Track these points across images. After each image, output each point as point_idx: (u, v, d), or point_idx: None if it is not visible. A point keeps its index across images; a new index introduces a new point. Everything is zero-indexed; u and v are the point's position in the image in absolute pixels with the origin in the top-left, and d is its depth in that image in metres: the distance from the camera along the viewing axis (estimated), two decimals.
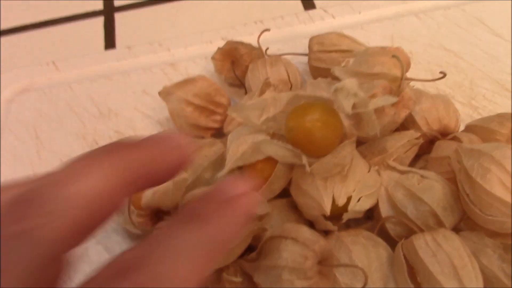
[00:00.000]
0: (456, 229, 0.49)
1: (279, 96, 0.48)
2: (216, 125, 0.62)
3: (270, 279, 0.42)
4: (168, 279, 0.19)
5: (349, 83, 0.44)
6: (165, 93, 0.62)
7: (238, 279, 0.46)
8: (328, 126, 0.44)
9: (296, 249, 0.42)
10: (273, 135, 0.50)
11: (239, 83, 0.66)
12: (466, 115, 0.63)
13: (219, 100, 0.62)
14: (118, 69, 0.74)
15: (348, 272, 0.45)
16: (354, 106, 0.44)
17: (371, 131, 0.45)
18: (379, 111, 0.49)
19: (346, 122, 0.46)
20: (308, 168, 0.45)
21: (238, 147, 0.51)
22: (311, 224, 0.50)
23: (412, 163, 0.56)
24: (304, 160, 0.44)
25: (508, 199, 0.43)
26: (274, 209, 0.51)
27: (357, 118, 0.46)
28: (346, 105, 0.43)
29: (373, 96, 0.49)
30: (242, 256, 0.49)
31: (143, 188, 0.23)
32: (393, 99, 0.45)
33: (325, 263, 0.43)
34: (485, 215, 0.45)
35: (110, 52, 0.78)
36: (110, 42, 0.81)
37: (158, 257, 0.19)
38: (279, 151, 0.46)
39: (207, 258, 0.21)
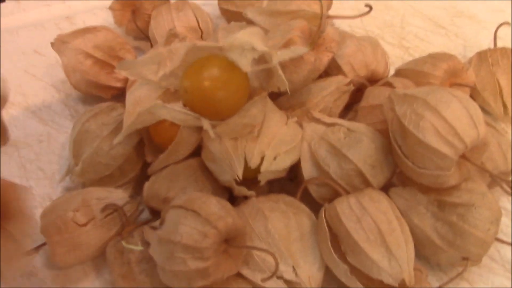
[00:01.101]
0: (388, 186, 0.44)
1: (175, 48, 0.40)
2: (118, 84, 0.53)
3: (164, 254, 0.35)
4: None
5: (242, 36, 0.36)
6: (59, 43, 0.52)
7: (138, 248, 0.39)
8: (230, 84, 0.37)
9: (195, 224, 0.35)
10: (176, 92, 0.42)
11: (144, 36, 0.58)
12: (396, 58, 0.57)
13: (124, 56, 0.53)
14: (5, 26, 0.63)
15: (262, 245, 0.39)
16: (256, 61, 0.37)
17: (282, 87, 0.38)
18: (297, 59, 0.42)
19: (254, 77, 0.39)
20: (212, 133, 0.37)
21: (134, 107, 0.44)
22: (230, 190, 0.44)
23: (342, 115, 0.50)
24: (206, 124, 0.37)
25: (443, 149, 0.37)
26: (184, 171, 0.44)
27: (266, 71, 0.39)
28: (243, 63, 0.36)
29: (289, 42, 0.42)
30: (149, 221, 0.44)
31: None
32: (302, 50, 0.37)
33: (232, 243, 0.36)
34: (418, 168, 0.39)
35: None
36: None
37: None
38: (176, 115, 0.38)
39: None
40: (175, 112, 0.38)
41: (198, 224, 0.35)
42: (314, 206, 0.43)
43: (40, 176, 0.51)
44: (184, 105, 0.39)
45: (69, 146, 0.47)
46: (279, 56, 0.35)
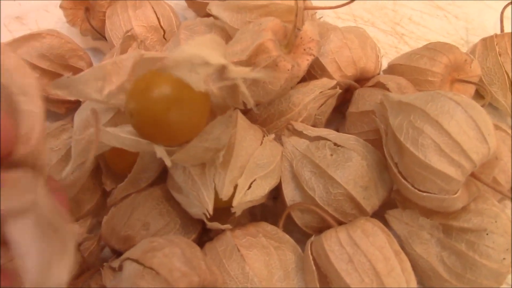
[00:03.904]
0: (385, 206, 0.38)
1: (120, 60, 0.33)
2: (72, 97, 0.46)
3: None
4: None
5: (191, 48, 0.28)
6: None
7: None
8: (185, 103, 0.29)
9: (153, 285, 0.29)
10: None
11: (101, 36, 0.51)
12: (389, 46, 0.50)
13: (76, 64, 0.46)
14: None
15: None
16: (216, 76, 0.30)
17: (248, 104, 0.31)
18: (272, 67, 0.36)
19: (216, 92, 0.32)
20: (168, 162, 0.31)
21: (82, 132, 0.37)
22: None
23: (331, 119, 0.44)
24: (159, 152, 0.31)
25: (448, 170, 0.31)
26: (146, 203, 0.38)
27: (230, 85, 0.32)
28: (194, 81, 0.28)
29: (260, 48, 0.35)
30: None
31: None
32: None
33: None
34: (418, 192, 0.33)
35: None
36: None
37: None
38: (124, 141, 0.32)
39: None
40: (122, 138, 0.32)
41: (156, 285, 0.29)
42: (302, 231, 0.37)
43: None
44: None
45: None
46: (239, 72, 0.29)
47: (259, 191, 0.35)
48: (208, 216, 0.34)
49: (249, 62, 0.35)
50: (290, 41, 0.36)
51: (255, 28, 0.36)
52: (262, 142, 0.36)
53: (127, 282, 0.30)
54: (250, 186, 0.35)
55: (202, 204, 0.34)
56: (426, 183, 0.33)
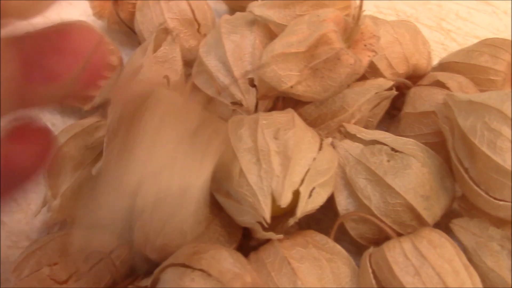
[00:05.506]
0: (447, 215, 0.35)
1: None
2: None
3: None
4: None
5: None
6: None
7: None
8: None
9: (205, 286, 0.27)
10: None
11: (129, 29, 0.48)
12: (435, 43, 0.47)
13: None
14: None
15: None
16: None
17: None
18: (333, 60, 0.33)
19: None
20: None
21: None
22: None
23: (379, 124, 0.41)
24: None
25: None
26: None
27: None
28: None
29: (322, 39, 0.32)
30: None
31: None
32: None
33: None
34: (493, 200, 0.30)
35: None
36: None
37: None
38: None
39: None
40: None
41: (207, 285, 0.27)
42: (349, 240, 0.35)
43: (13, 208, 0.43)
44: None
45: (43, 174, 0.38)
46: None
47: (319, 200, 0.32)
48: (266, 226, 0.31)
49: (308, 53, 0.32)
50: (351, 35, 0.33)
51: (313, 19, 0.34)
52: (321, 146, 0.33)
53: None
54: (310, 195, 0.32)
55: (257, 211, 0.31)
56: (504, 191, 0.30)
